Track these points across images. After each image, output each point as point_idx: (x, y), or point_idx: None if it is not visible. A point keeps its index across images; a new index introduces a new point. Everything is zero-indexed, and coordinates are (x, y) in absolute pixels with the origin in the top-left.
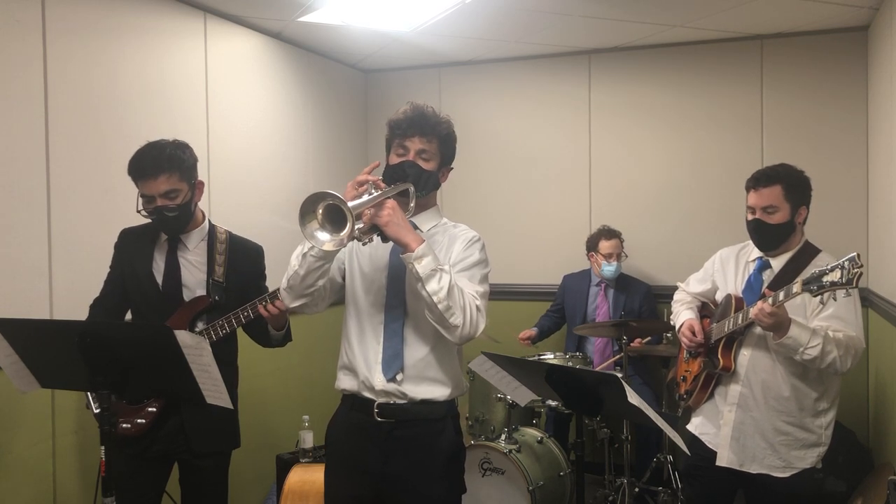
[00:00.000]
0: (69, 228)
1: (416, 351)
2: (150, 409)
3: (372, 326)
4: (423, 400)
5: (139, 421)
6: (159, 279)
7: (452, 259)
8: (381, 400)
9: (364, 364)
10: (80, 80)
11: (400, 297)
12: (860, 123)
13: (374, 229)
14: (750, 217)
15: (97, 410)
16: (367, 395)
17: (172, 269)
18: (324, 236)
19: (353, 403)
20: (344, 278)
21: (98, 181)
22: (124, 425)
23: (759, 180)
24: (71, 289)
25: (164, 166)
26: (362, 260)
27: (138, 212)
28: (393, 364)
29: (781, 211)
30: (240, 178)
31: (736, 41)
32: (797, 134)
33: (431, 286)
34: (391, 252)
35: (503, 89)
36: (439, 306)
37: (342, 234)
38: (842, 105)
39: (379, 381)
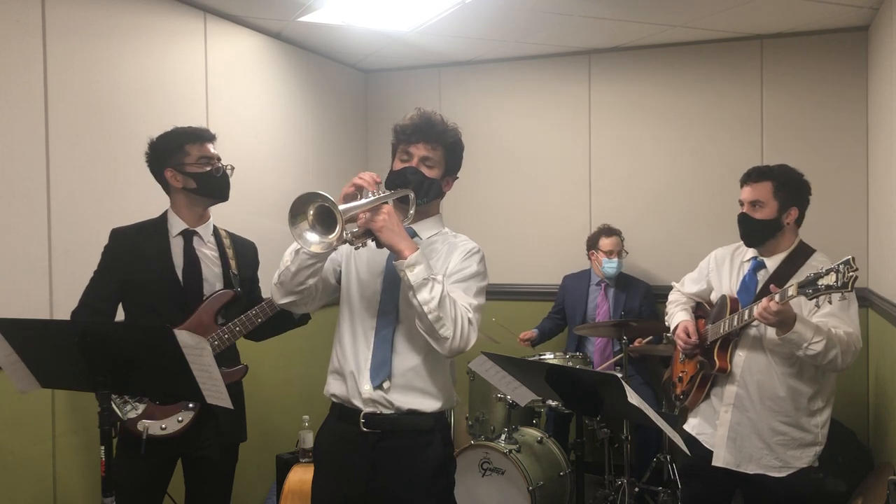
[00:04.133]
0: (69, 228)
1: (405, 360)
2: (190, 405)
3: (364, 332)
4: (411, 410)
5: (179, 419)
6: (179, 273)
7: (449, 269)
8: (367, 409)
9: (353, 369)
10: (80, 80)
11: (393, 304)
12: (860, 123)
13: (369, 234)
14: (739, 211)
15: (124, 417)
16: (355, 402)
17: (192, 262)
18: (313, 238)
19: (341, 413)
20: (339, 281)
21: (98, 181)
22: (162, 426)
23: (750, 175)
24: (71, 289)
25: (215, 139)
26: (360, 265)
27: (171, 170)
28: (380, 371)
29: (768, 207)
30: (239, 178)
31: (736, 41)
32: (797, 134)
33: (423, 295)
34: (388, 258)
35: (503, 89)
36: (429, 316)
37: (331, 237)
38: (842, 105)
39: (366, 388)
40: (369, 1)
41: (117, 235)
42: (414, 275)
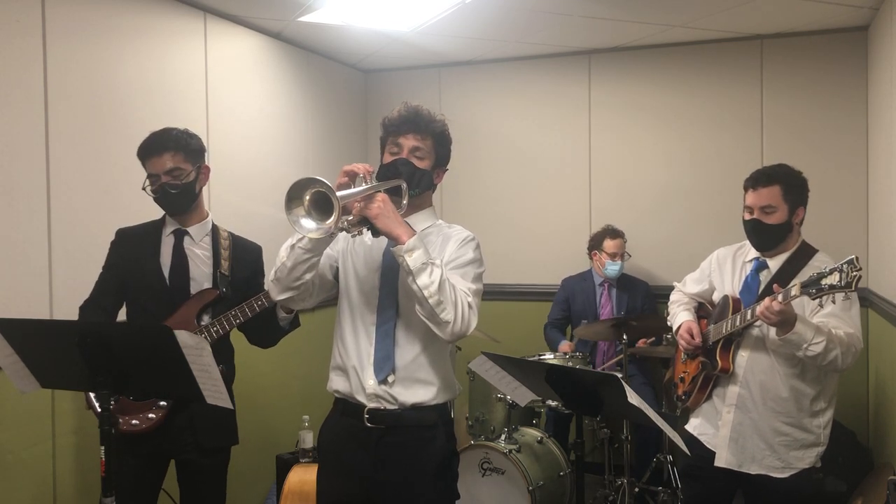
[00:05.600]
0: (69, 228)
1: (406, 352)
2: (160, 402)
3: (364, 327)
4: (414, 405)
5: (150, 416)
6: (166, 272)
7: (446, 258)
8: (371, 405)
9: (356, 365)
10: (80, 80)
11: (392, 298)
12: (860, 123)
13: (364, 222)
14: (747, 217)
15: (100, 409)
16: (359, 398)
17: (180, 261)
18: (309, 224)
19: (345, 408)
20: (336, 277)
21: (98, 181)
22: (133, 422)
23: (757, 180)
24: (71, 289)
25: (169, 145)
26: (357, 261)
27: (143, 189)
28: (384, 366)
29: (779, 211)
30: (240, 178)
31: (736, 41)
32: (797, 134)
33: (422, 280)
34: (385, 253)
35: (503, 89)
36: (430, 301)
37: (328, 222)
38: (842, 105)
39: (370, 383)
40: (369, 1)
41: (121, 234)
42: (413, 259)
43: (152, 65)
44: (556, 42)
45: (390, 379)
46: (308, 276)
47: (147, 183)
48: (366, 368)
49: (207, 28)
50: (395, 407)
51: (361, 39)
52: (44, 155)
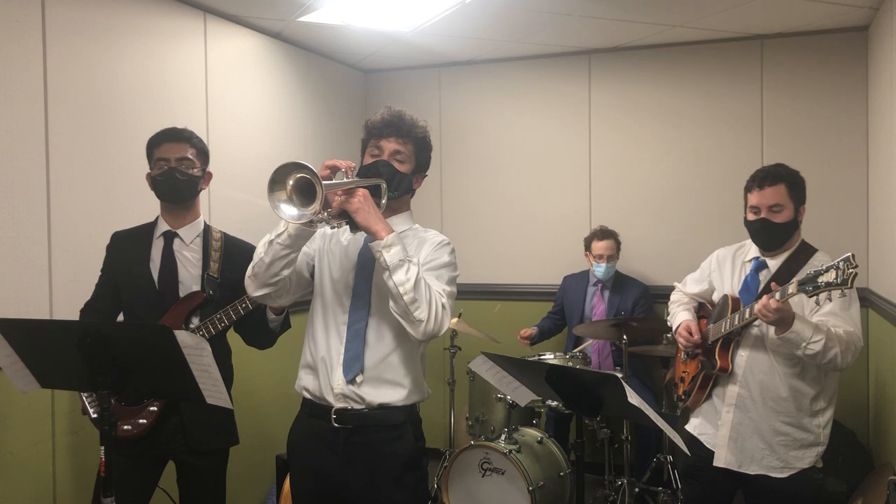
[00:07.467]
0: (69, 228)
1: (376, 352)
2: (151, 408)
3: (336, 326)
4: (381, 405)
5: (141, 421)
6: (155, 275)
7: (421, 260)
8: (339, 405)
9: (326, 364)
10: (80, 80)
11: (365, 298)
12: (860, 123)
13: (344, 215)
14: (752, 217)
15: (94, 415)
16: (327, 397)
17: (168, 264)
18: (289, 210)
19: (312, 409)
20: (313, 275)
21: (98, 181)
22: (125, 427)
23: (763, 179)
24: (71, 289)
25: (190, 139)
26: (332, 261)
27: (148, 174)
28: (353, 366)
29: (787, 209)
30: (240, 178)
31: (736, 41)
32: (797, 134)
33: (398, 276)
34: (360, 253)
35: (503, 89)
36: (405, 297)
37: (310, 209)
38: (842, 105)
39: (338, 383)
40: (369, 1)
41: (114, 238)
42: (390, 255)
43: (152, 65)
44: (556, 42)
45: (358, 379)
46: (285, 273)
47: (153, 167)
48: (335, 368)
49: (207, 28)
50: (363, 407)
51: (361, 39)
52: (44, 155)
